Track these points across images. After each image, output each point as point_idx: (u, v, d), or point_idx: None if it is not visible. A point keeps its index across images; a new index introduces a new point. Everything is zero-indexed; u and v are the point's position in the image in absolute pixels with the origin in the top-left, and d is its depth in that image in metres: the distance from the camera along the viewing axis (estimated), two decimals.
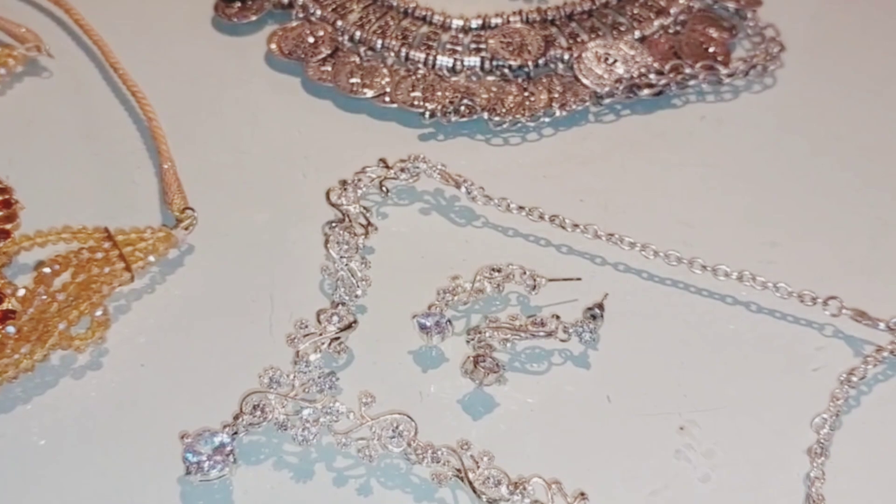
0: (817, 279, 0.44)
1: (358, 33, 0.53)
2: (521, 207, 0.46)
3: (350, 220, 0.44)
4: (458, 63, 0.52)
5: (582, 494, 0.36)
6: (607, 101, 0.51)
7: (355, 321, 0.41)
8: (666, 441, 0.39)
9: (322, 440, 0.37)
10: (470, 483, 0.36)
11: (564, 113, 0.51)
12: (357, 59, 0.52)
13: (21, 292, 0.40)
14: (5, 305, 0.39)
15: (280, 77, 0.52)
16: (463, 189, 0.46)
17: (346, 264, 0.43)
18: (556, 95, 0.51)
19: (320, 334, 0.40)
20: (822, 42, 0.57)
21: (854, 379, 0.41)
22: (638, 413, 0.40)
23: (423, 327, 0.41)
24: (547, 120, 0.51)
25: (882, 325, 0.42)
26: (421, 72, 0.52)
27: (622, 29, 0.54)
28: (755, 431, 0.39)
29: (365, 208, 0.45)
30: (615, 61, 0.52)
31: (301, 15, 0.54)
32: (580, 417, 0.40)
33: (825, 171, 0.49)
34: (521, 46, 0.52)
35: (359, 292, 0.42)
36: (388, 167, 0.47)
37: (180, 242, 0.44)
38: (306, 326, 0.40)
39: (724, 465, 0.38)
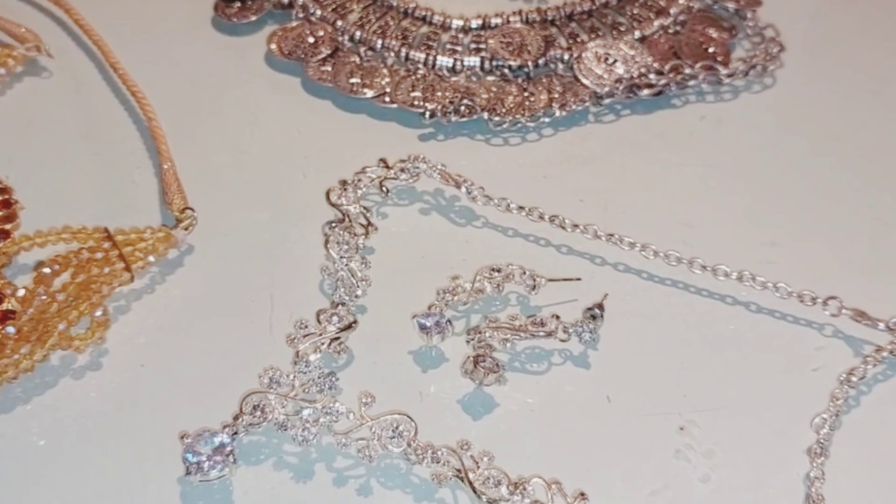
0: (817, 279, 0.44)
1: (358, 33, 0.53)
2: (521, 207, 0.46)
3: (350, 221, 0.44)
4: (458, 63, 0.52)
5: (582, 494, 0.36)
6: (607, 101, 0.51)
7: (355, 321, 0.41)
8: (666, 441, 0.39)
9: (322, 440, 0.37)
10: (470, 483, 0.36)
11: (564, 113, 0.51)
12: (357, 60, 0.52)
13: (21, 292, 0.40)
14: (5, 306, 0.39)
15: (280, 77, 0.52)
16: (463, 189, 0.46)
17: (346, 264, 0.43)
18: (556, 95, 0.51)
19: (320, 334, 0.40)
20: (821, 42, 0.57)
21: (854, 379, 0.41)
22: (638, 413, 0.40)
23: (423, 327, 0.41)
24: (547, 120, 0.51)
25: (882, 325, 0.42)
26: (421, 72, 0.52)
27: (622, 29, 0.54)
28: (755, 431, 0.39)
29: (365, 208, 0.45)
30: (615, 61, 0.52)
31: (301, 15, 0.54)
32: (580, 417, 0.40)
33: (825, 171, 0.49)
34: (521, 46, 0.53)
35: (359, 292, 0.42)
36: (388, 167, 0.47)
37: (180, 242, 0.44)
38: (306, 326, 0.40)
39: (724, 465, 0.38)
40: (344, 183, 0.46)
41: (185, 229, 0.44)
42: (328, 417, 0.37)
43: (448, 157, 0.48)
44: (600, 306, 0.42)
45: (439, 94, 0.51)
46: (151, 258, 0.42)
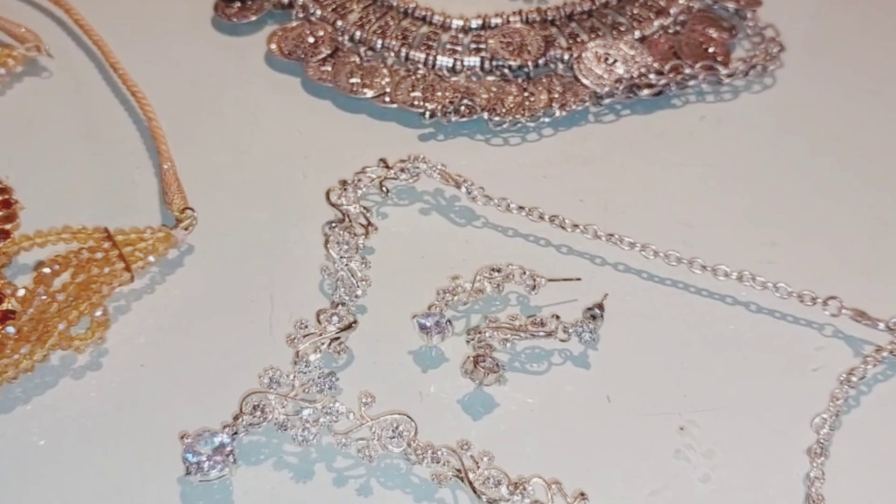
0: (817, 279, 0.44)
1: (358, 33, 0.53)
2: (520, 207, 0.46)
3: (350, 221, 0.44)
4: (458, 63, 0.52)
5: (582, 494, 0.36)
6: (607, 101, 0.51)
7: (355, 321, 0.41)
8: (666, 441, 0.39)
9: (322, 440, 0.37)
10: (470, 483, 0.36)
11: (564, 113, 0.51)
12: (357, 60, 0.52)
13: (21, 292, 0.40)
14: (5, 306, 0.39)
15: (280, 77, 0.52)
16: (463, 189, 0.46)
17: (346, 264, 0.43)
18: (556, 95, 0.51)
19: (320, 334, 0.40)
20: (821, 42, 0.57)
21: (854, 379, 0.41)
22: (638, 413, 0.40)
23: (423, 327, 0.41)
24: (547, 120, 0.51)
25: (882, 325, 0.42)
26: (421, 72, 0.52)
27: (622, 29, 0.54)
28: (755, 431, 0.39)
29: (365, 208, 0.45)
30: (615, 61, 0.52)
31: (301, 15, 0.54)
32: (580, 417, 0.40)
33: (825, 171, 0.49)
34: (521, 46, 0.53)
35: (359, 292, 0.42)
36: (388, 167, 0.47)
37: (180, 242, 0.44)
38: (306, 326, 0.40)
39: (724, 465, 0.38)
40: (344, 183, 0.46)
41: (185, 229, 0.44)
42: (328, 417, 0.37)
43: (448, 157, 0.48)
44: (600, 306, 0.42)
45: (439, 94, 0.51)
46: (151, 258, 0.42)
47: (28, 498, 0.37)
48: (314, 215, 0.46)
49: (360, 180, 0.46)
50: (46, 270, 0.40)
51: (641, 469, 0.38)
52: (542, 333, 0.41)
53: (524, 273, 0.43)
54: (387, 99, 0.50)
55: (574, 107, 0.51)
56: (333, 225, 0.44)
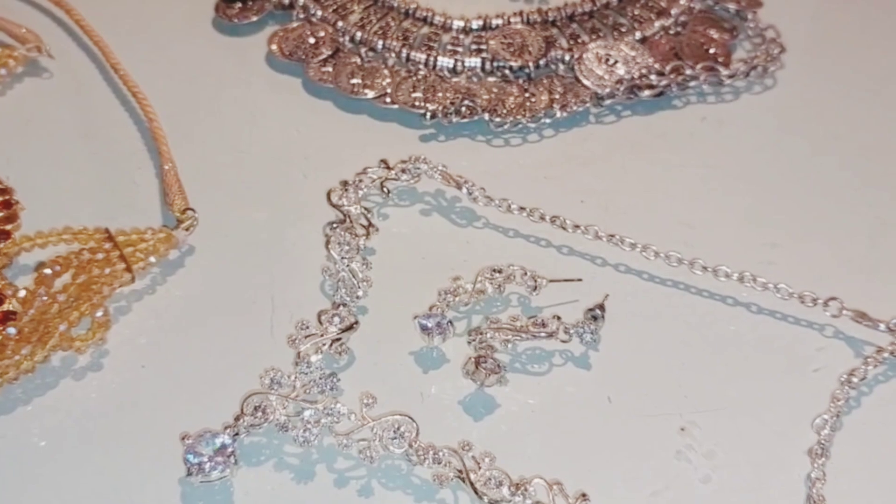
0: (817, 280, 0.44)
1: (359, 34, 0.53)
2: (521, 208, 0.46)
3: (351, 221, 0.44)
4: (459, 64, 0.52)
5: (583, 495, 0.36)
6: (608, 102, 0.51)
7: (356, 322, 0.41)
8: (667, 442, 0.39)
9: (323, 441, 0.37)
10: (471, 484, 0.36)
11: (565, 114, 0.51)
12: (358, 60, 0.52)
13: (22, 293, 0.40)
14: (6, 306, 0.39)
15: (281, 78, 0.52)
16: (464, 190, 0.46)
17: (348, 265, 0.43)
18: (557, 96, 0.51)
19: (321, 335, 0.40)
20: (822, 43, 0.57)
21: (854, 380, 0.41)
22: (639, 414, 0.40)
23: (424, 328, 0.41)
24: (548, 121, 0.51)
25: (882, 326, 0.42)
26: (422, 73, 0.52)
27: (623, 30, 0.54)
28: (756, 432, 0.39)
29: (366, 209, 0.45)
30: (616, 62, 0.52)
31: (302, 16, 0.54)
32: (581, 418, 0.40)
33: (825, 171, 0.49)
34: (522, 47, 0.53)
35: (360, 293, 0.42)
36: (389, 168, 0.47)
37: (181, 243, 0.44)
38: (307, 327, 0.40)
39: (725, 465, 0.38)
40: (345, 184, 0.46)
41: (186, 230, 0.44)
42: (329, 418, 0.37)
43: (449, 157, 0.48)
44: (601, 307, 0.42)
45: (440, 94, 0.51)
46: (152, 259, 0.42)
47: (29, 498, 0.37)
48: (315, 216, 0.46)
49: (360, 181, 0.46)
50: (47, 271, 0.40)
51: (642, 470, 0.38)
52: (543, 334, 0.41)
53: (525, 274, 0.43)
54: (388, 100, 0.50)
55: (575, 108, 0.51)
56: (334, 226, 0.44)
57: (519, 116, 0.50)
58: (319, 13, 0.54)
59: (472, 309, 0.43)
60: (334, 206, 0.45)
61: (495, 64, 0.52)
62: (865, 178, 0.49)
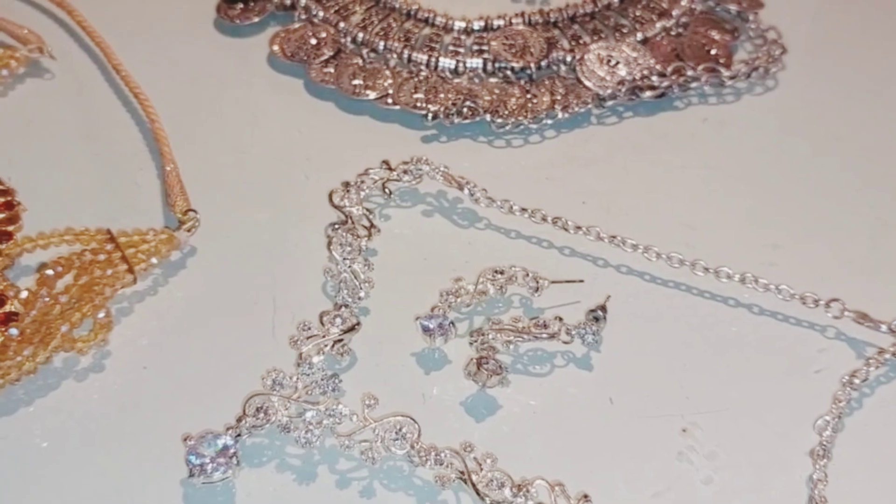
0: (819, 281, 0.44)
1: (360, 35, 0.53)
2: (523, 209, 0.46)
3: (353, 222, 0.44)
4: (461, 65, 0.52)
5: (585, 496, 0.36)
6: (609, 103, 0.51)
7: (358, 323, 0.41)
8: (668, 443, 0.39)
9: (325, 442, 0.37)
10: (473, 485, 0.36)
11: (567, 115, 0.51)
12: (360, 61, 0.52)
13: (24, 294, 0.40)
14: (8, 307, 0.39)
15: (282, 79, 0.52)
16: (466, 191, 0.46)
17: (350, 266, 0.43)
18: (559, 97, 0.51)
19: (323, 336, 0.40)
20: (823, 44, 0.57)
21: (856, 381, 0.41)
22: (640, 415, 0.40)
23: (425, 329, 0.41)
24: (549, 122, 0.51)
25: (884, 327, 0.42)
26: (423, 73, 0.52)
27: (624, 31, 0.54)
28: (757, 433, 0.39)
29: (368, 210, 0.45)
30: (617, 63, 0.52)
31: (303, 16, 0.54)
32: (583, 419, 0.40)
33: (827, 172, 0.49)
34: (524, 48, 0.53)
35: (362, 294, 0.42)
36: (390, 169, 0.47)
37: (183, 244, 0.44)
38: (309, 328, 0.40)
39: (727, 466, 0.38)
40: (347, 185, 0.46)
41: (188, 231, 0.44)
42: (331, 419, 0.37)
43: (451, 158, 0.48)
44: (603, 308, 0.42)
45: (442, 95, 0.51)
46: (154, 260, 0.42)
47: (30, 500, 0.37)
48: (316, 217, 0.46)
49: (362, 182, 0.46)
50: (49, 272, 0.40)
51: (644, 471, 0.38)
52: (545, 335, 0.41)
53: (527, 275, 0.43)
54: (389, 101, 0.50)
55: (576, 109, 0.51)
56: (336, 227, 0.44)
57: (520, 117, 0.50)
58: (321, 14, 0.54)
59: (474, 310, 0.43)
60: (336, 207, 0.45)
61: (497, 65, 0.52)
62: (867, 178, 0.49)
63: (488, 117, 0.50)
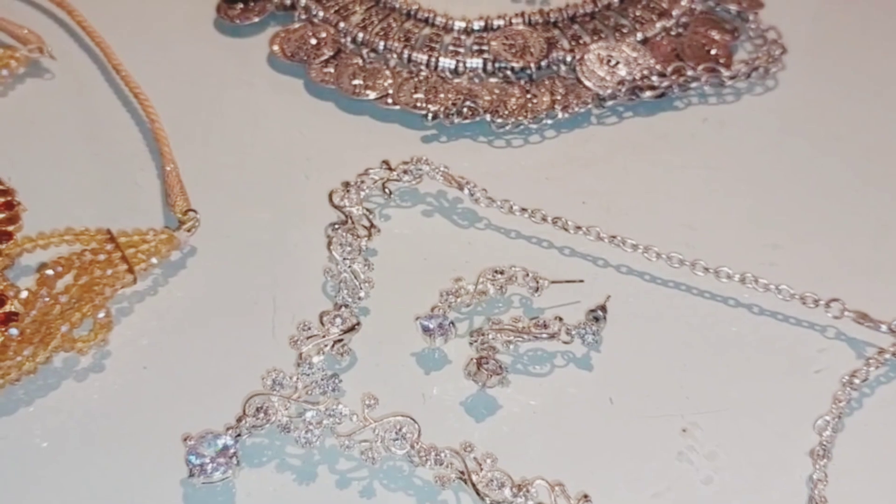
0: (819, 281, 0.44)
1: (360, 35, 0.53)
2: (523, 209, 0.46)
3: (353, 222, 0.44)
4: (461, 65, 0.52)
5: (585, 496, 0.36)
6: (609, 103, 0.51)
7: (358, 323, 0.41)
8: (668, 443, 0.39)
9: (325, 442, 0.37)
10: (473, 485, 0.36)
11: (567, 115, 0.51)
12: (360, 61, 0.52)
13: (24, 294, 0.40)
14: (8, 307, 0.39)
15: (282, 79, 0.52)
16: (465, 191, 0.46)
17: (350, 266, 0.43)
18: (559, 97, 0.51)
19: (323, 336, 0.40)
20: (823, 44, 0.57)
21: (856, 381, 0.41)
22: (640, 415, 0.40)
23: (425, 329, 0.41)
24: (549, 122, 0.51)
25: (884, 328, 0.42)
26: (423, 73, 0.52)
27: (624, 31, 0.54)
28: (757, 433, 0.39)
29: (368, 210, 0.45)
30: (617, 63, 0.52)
31: (303, 17, 0.54)
32: (583, 419, 0.40)
33: (827, 172, 0.49)
34: (524, 48, 0.53)
35: (362, 294, 0.42)
36: (390, 169, 0.47)
37: (183, 244, 0.44)
38: (309, 328, 0.40)
39: (727, 467, 0.38)
40: (347, 185, 0.46)
41: (188, 231, 0.44)
42: (331, 419, 0.37)
43: (451, 158, 0.48)
44: (603, 308, 0.42)
45: (442, 95, 0.51)
46: (154, 260, 0.42)
47: (31, 500, 0.37)
48: (316, 217, 0.46)
49: (362, 182, 0.46)
50: (49, 272, 0.40)
51: (644, 471, 0.38)
52: (544, 335, 0.41)
53: (527, 275, 0.43)
54: (389, 101, 0.50)
55: (576, 109, 0.51)
56: (336, 227, 0.44)
57: (520, 117, 0.50)
58: (321, 14, 0.54)
59: (474, 310, 0.43)
60: (336, 207, 0.45)
61: (497, 65, 0.52)
62: (867, 178, 0.49)
63: (488, 117, 0.50)
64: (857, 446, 0.39)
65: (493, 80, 0.52)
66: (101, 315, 0.40)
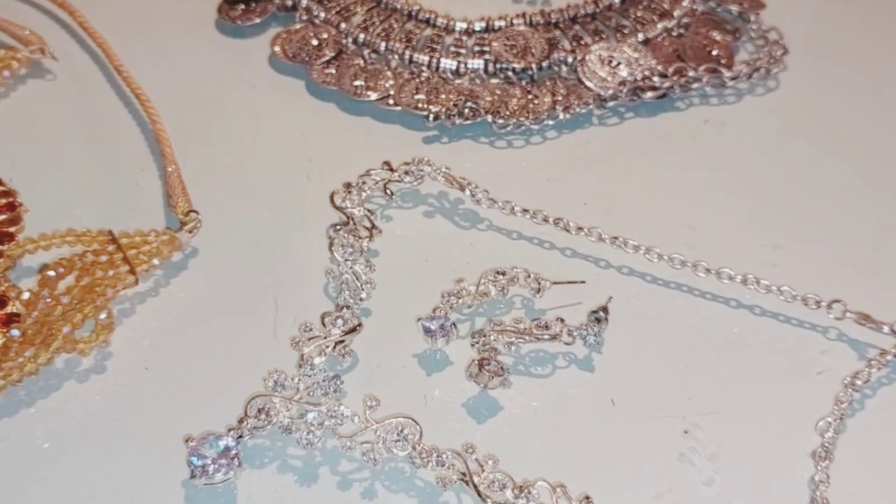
0: (821, 282, 0.44)
1: (362, 36, 0.53)
2: (524, 210, 0.46)
3: (354, 223, 0.44)
4: (462, 66, 0.52)
5: (587, 498, 0.36)
6: (611, 103, 0.51)
7: (360, 324, 0.41)
8: (670, 444, 0.39)
9: (326, 443, 0.37)
10: (475, 487, 0.36)
11: (568, 116, 0.51)
12: (361, 62, 0.52)
13: (25, 295, 0.40)
14: (10, 309, 0.39)
15: (284, 79, 0.52)
16: (467, 192, 0.46)
17: (351, 267, 0.43)
18: (560, 98, 0.51)
19: (325, 337, 0.40)
20: (824, 44, 0.57)
21: (858, 382, 0.41)
22: (642, 416, 0.40)
23: (427, 330, 0.41)
24: (550, 123, 0.51)
25: (886, 329, 0.42)
26: (425, 74, 0.52)
27: (626, 32, 0.54)
28: (759, 435, 0.39)
29: (369, 211, 0.45)
30: (619, 64, 0.52)
31: (305, 17, 0.54)
32: (584, 421, 0.40)
33: (828, 173, 0.49)
34: (525, 49, 0.53)
35: (363, 295, 0.42)
36: (392, 170, 0.47)
37: (184, 245, 0.44)
38: (311, 329, 0.40)
39: (728, 468, 0.38)
40: (348, 186, 0.46)
41: (190, 232, 0.44)
42: (333, 421, 0.37)
43: (452, 159, 0.48)
44: (605, 309, 0.42)
45: (443, 96, 0.51)
46: (156, 261, 0.42)
47: (32, 500, 0.37)
48: (318, 218, 0.46)
49: (364, 183, 0.46)
50: (51, 273, 0.40)
51: (645, 472, 0.38)
52: (546, 336, 0.41)
53: (529, 276, 0.43)
54: (391, 101, 0.50)
55: (578, 109, 0.51)
56: (338, 228, 0.44)
57: (522, 118, 0.50)
58: (322, 15, 0.54)
59: (476, 311, 0.43)
60: (337, 208, 0.45)
61: (498, 66, 0.52)
62: (868, 179, 0.49)
63: (490, 118, 0.50)
64: (858, 448, 0.39)
65: (494, 80, 0.52)
66: (103, 316, 0.40)
